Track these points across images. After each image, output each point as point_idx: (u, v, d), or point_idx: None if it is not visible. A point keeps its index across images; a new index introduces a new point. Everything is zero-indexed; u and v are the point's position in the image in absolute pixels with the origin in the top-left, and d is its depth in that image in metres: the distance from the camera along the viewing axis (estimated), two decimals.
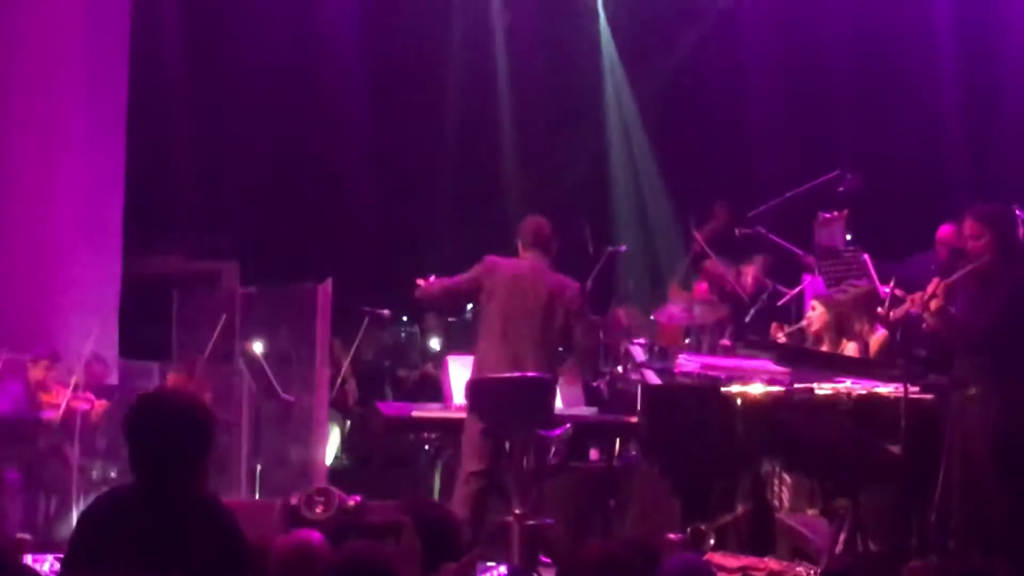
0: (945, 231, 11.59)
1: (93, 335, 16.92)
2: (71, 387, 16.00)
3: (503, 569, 5.41)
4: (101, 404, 16.07)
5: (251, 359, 15.83)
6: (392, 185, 18.96)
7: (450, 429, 12.85)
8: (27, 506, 15.60)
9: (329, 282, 15.61)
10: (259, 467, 15.68)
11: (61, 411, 15.78)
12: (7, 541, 6.07)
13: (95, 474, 15.64)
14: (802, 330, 13.01)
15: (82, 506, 14.94)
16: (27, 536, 12.66)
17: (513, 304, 12.19)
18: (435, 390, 14.22)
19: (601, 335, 14.86)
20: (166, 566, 5.62)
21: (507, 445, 11.99)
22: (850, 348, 12.34)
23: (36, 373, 16.10)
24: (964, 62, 17.68)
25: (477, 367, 12.33)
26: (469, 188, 18.95)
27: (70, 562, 6.10)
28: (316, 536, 7.27)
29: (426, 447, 14.18)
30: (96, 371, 16.70)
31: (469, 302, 12.97)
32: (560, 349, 12.60)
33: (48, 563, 6.87)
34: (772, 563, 10.29)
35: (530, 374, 12.20)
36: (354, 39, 19.04)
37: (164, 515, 5.90)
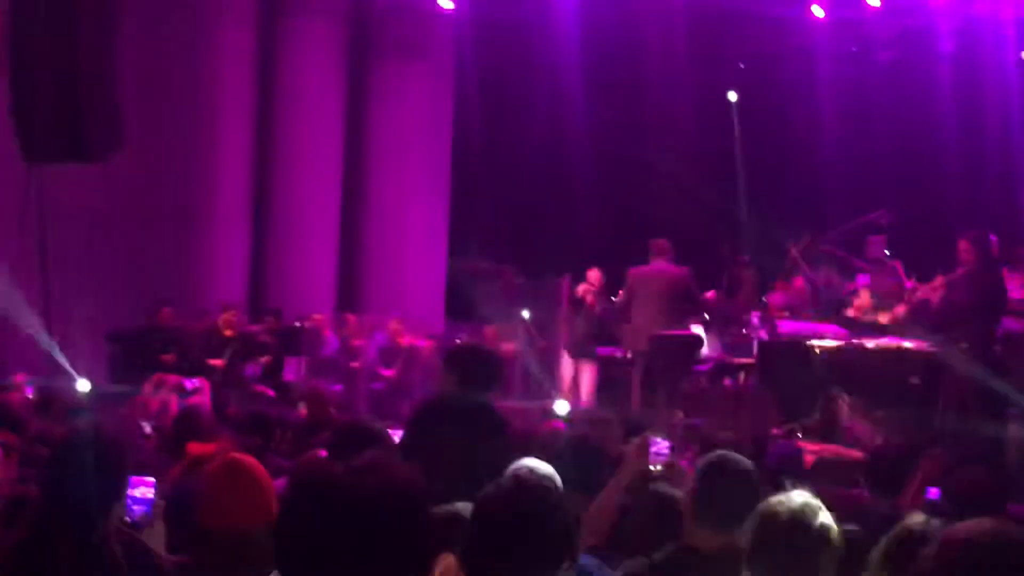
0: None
1: (427, 304, 17.78)
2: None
3: (666, 443, 5.71)
4: (432, 343, 16.30)
5: (523, 321, 16.10)
6: (606, 219, 18.72)
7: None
8: (390, 404, 15.20)
9: (567, 277, 15.80)
10: (528, 384, 15.45)
11: (408, 347, 16.09)
12: (378, 423, 6.08)
13: (430, 387, 14.98)
14: (856, 308, 12.94)
15: None
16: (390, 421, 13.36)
17: (652, 290, 12.18)
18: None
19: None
20: (465, 440, 5.53)
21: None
22: (884, 319, 12.25)
23: (393, 325, 16.31)
24: (962, 134, 17.26)
25: (635, 328, 12.32)
26: (653, 218, 18.54)
27: (407, 435, 5.98)
28: (560, 425, 7.59)
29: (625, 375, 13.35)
30: (428, 326, 17.09)
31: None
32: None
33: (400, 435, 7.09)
34: (836, 449, 10.17)
35: (689, 331, 12.58)
36: (583, 128, 18.54)
37: (464, 410, 5.89)
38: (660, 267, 12.25)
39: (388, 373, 16.05)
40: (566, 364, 13.93)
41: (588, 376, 13.66)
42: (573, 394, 13.37)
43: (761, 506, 3.73)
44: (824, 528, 3.66)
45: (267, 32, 17.00)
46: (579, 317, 14.03)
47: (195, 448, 6.31)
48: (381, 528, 2.33)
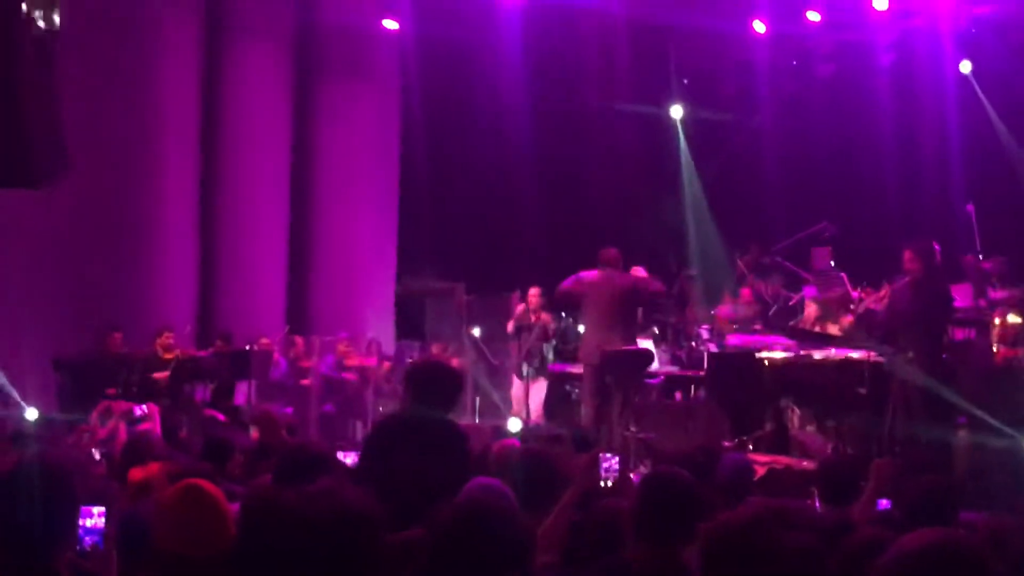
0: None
1: (377, 324, 17.71)
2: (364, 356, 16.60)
3: (616, 460, 5.70)
4: (385, 364, 16.43)
5: (473, 339, 15.95)
6: (554, 235, 18.56)
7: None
8: (340, 426, 15.83)
9: (516, 293, 15.89)
10: (478, 402, 15.69)
11: (357, 370, 16.19)
12: (326, 446, 6.09)
13: (380, 408, 15.67)
14: (803, 319, 13.09)
15: (370, 425, 15.46)
16: (340, 443, 13.30)
17: (603, 300, 11.90)
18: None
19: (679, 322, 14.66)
20: (425, 459, 5.57)
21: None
22: (832, 330, 12.30)
23: (341, 347, 16.37)
24: (902, 145, 17.43)
25: (586, 342, 12.14)
26: (601, 233, 18.65)
27: (364, 457, 6.13)
28: (514, 443, 7.29)
29: (575, 391, 13.53)
30: (378, 346, 16.98)
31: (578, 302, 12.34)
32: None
33: (351, 458, 7.06)
34: (787, 460, 10.44)
35: (640, 347, 12.44)
36: (529, 145, 18.56)
37: (424, 428, 5.94)
38: (611, 276, 12.01)
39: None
40: (516, 383, 13.87)
41: (538, 393, 13.61)
42: (524, 411, 13.33)
43: (714, 521, 3.70)
44: (778, 543, 3.61)
45: (211, 53, 16.90)
46: (523, 337, 13.96)
47: (136, 473, 6.25)
48: (336, 554, 2.31)
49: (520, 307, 14.11)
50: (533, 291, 13.96)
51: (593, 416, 11.79)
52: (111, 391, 13.21)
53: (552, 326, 13.94)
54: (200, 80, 16.74)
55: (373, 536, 2.37)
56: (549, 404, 13.64)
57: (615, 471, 5.53)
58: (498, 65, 18.06)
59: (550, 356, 14.18)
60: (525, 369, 13.54)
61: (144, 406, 10.59)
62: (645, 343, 12.85)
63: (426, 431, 5.94)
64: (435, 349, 16.37)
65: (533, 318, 13.77)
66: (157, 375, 13.76)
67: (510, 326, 14.00)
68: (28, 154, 10.69)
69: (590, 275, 12.05)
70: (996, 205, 14.58)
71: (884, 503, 5.87)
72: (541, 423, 12.62)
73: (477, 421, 14.99)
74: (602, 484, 5.54)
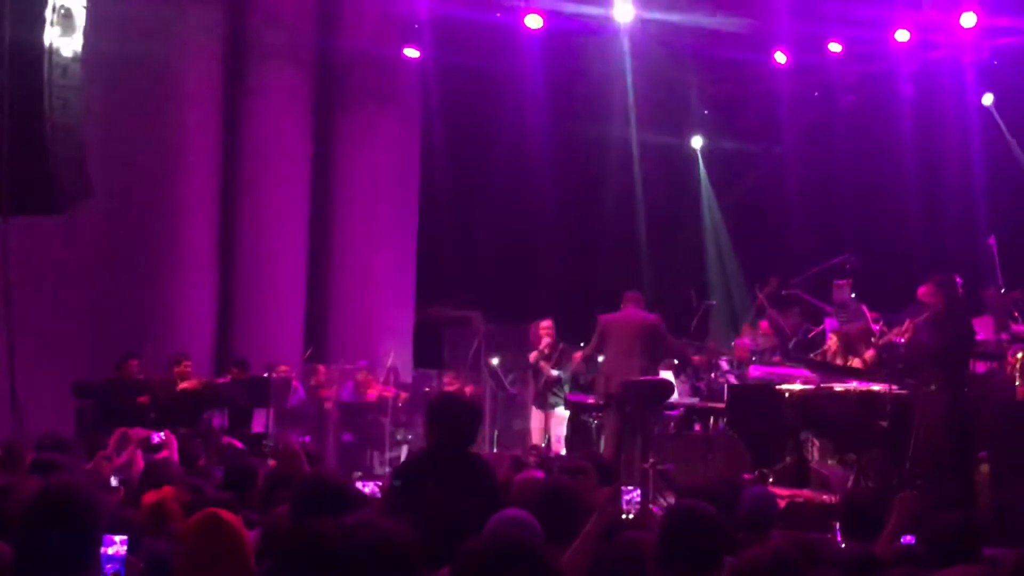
0: (920, 290, 10.97)
1: (395, 353, 17.72)
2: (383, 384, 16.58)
3: (637, 492, 5.66)
4: (403, 394, 16.37)
5: (491, 368, 16.04)
6: (573, 265, 18.70)
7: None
8: (358, 455, 15.89)
9: (535, 323, 15.78)
10: (496, 432, 15.70)
11: (376, 398, 16.18)
12: (344, 477, 6.01)
13: (399, 436, 15.88)
14: (824, 352, 12.93)
15: (388, 454, 15.50)
16: (358, 472, 13.33)
17: (623, 336, 12.21)
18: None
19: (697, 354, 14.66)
20: (453, 494, 5.37)
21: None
22: (854, 363, 12.20)
23: (360, 376, 16.38)
24: (923, 177, 17.50)
25: (607, 373, 12.29)
26: (621, 264, 18.72)
27: (392, 492, 6.10)
28: (539, 474, 7.33)
29: (594, 421, 13.43)
30: (396, 375, 17.05)
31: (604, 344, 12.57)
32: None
33: (369, 487, 7.01)
34: (808, 493, 10.49)
35: (659, 377, 12.47)
36: (549, 174, 18.80)
37: (451, 464, 6.02)
38: (631, 312, 12.27)
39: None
40: (535, 414, 13.86)
41: (558, 424, 13.62)
42: (543, 441, 13.34)
43: (742, 556, 3.68)
44: None
45: (233, 80, 16.96)
46: (541, 371, 14.06)
47: (149, 497, 6.22)
48: None
49: (546, 340, 14.05)
50: (546, 324, 13.98)
51: (613, 448, 11.82)
52: (133, 411, 13.23)
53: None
54: (222, 108, 16.79)
55: (411, 570, 2.34)
56: (571, 435, 13.61)
57: (636, 503, 5.51)
58: (519, 94, 18.12)
59: (567, 387, 14.22)
60: (551, 399, 13.55)
61: (161, 433, 10.56)
62: (665, 374, 12.85)
63: (453, 466, 5.99)
64: (447, 379, 16.41)
65: (549, 350, 13.80)
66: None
67: (533, 356, 14.00)
68: (50, 181, 10.74)
69: (608, 318, 12.34)
70: (1018, 238, 14.53)
71: (908, 538, 5.82)
72: (563, 454, 12.57)
73: (495, 451, 14.91)
74: (624, 516, 5.50)
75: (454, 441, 6.14)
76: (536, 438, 13.70)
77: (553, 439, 13.29)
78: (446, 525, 4.44)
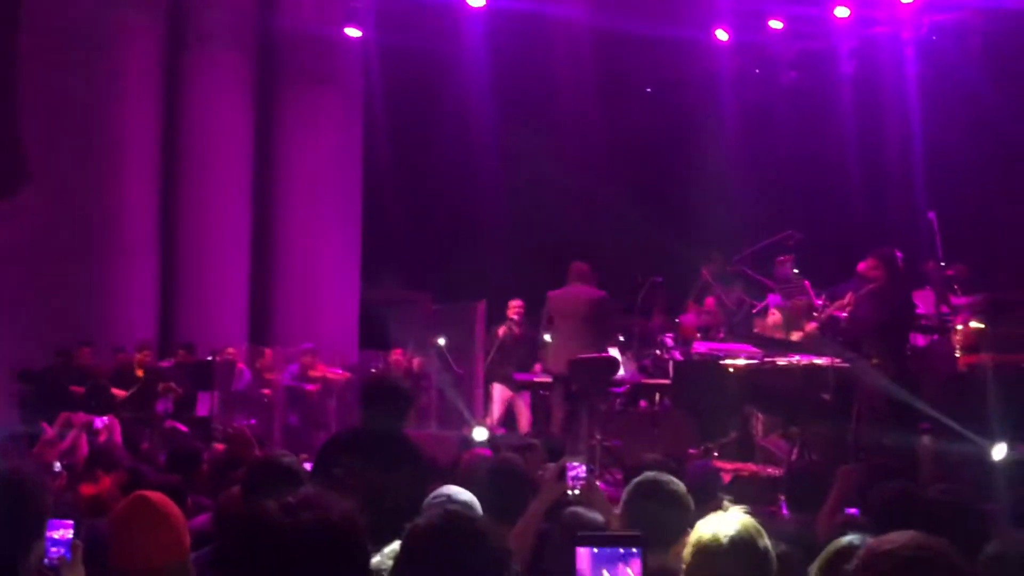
0: (860, 265, 10.98)
1: (341, 334, 17.64)
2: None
3: (583, 468, 5.68)
4: (346, 375, 16.31)
5: (438, 348, 15.80)
6: (520, 244, 18.43)
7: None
8: (304, 437, 15.41)
9: (482, 303, 16.01)
10: (442, 411, 15.57)
11: (320, 381, 16.03)
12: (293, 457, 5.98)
13: (344, 418, 15.22)
14: (768, 327, 13.16)
15: None
16: (304, 455, 13.25)
17: (570, 312, 12.10)
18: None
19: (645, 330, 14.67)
20: (376, 472, 5.30)
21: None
22: (796, 337, 12.33)
23: (305, 358, 16.17)
24: (864, 152, 17.54)
25: (555, 352, 12.17)
26: (567, 241, 18.75)
27: (318, 465, 6.14)
28: (486, 452, 7.45)
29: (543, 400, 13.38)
30: (343, 356, 17.03)
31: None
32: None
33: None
34: (753, 467, 10.68)
35: (604, 354, 12.33)
36: (494, 154, 18.77)
37: (376, 442, 6.03)
38: (578, 290, 12.20)
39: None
40: (498, 392, 13.88)
41: (524, 404, 13.66)
42: (506, 423, 13.35)
43: (700, 528, 3.69)
44: (765, 550, 3.61)
45: (172, 63, 16.85)
46: (504, 348, 13.97)
47: (87, 489, 6.23)
48: (321, 565, 2.31)
49: (514, 317, 14.03)
50: (517, 304, 14.00)
51: (561, 425, 11.85)
52: (77, 396, 13.15)
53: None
54: (162, 89, 16.69)
55: (358, 546, 2.35)
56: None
57: (582, 479, 5.53)
58: (462, 73, 18.07)
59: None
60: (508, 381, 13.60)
61: (105, 418, 10.51)
62: (611, 351, 12.85)
63: (378, 445, 5.98)
64: (396, 355, 16.31)
65: (517, 329, 13.80)
66: (117, 391, 13.64)
67: (502, 330, 13.96)
68: None
69: (556, 295, 12.25)
70: (957, 213, 14.66)
71: (851, 510, 5.90)
72: (526, 432, 12.58)
73: (442, 430, 14.79)
74: (569, 492, 5.53)
75: (382, 418, 6.18)
76: (496, 415, 13.70)
77: (521, 420, 13.34)
78: (368, 502, 4.48)
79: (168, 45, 16.77)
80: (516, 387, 13.66)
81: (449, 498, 4.81)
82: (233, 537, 2.40)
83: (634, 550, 3.12)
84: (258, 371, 16.15)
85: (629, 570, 3.11)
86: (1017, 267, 16.10)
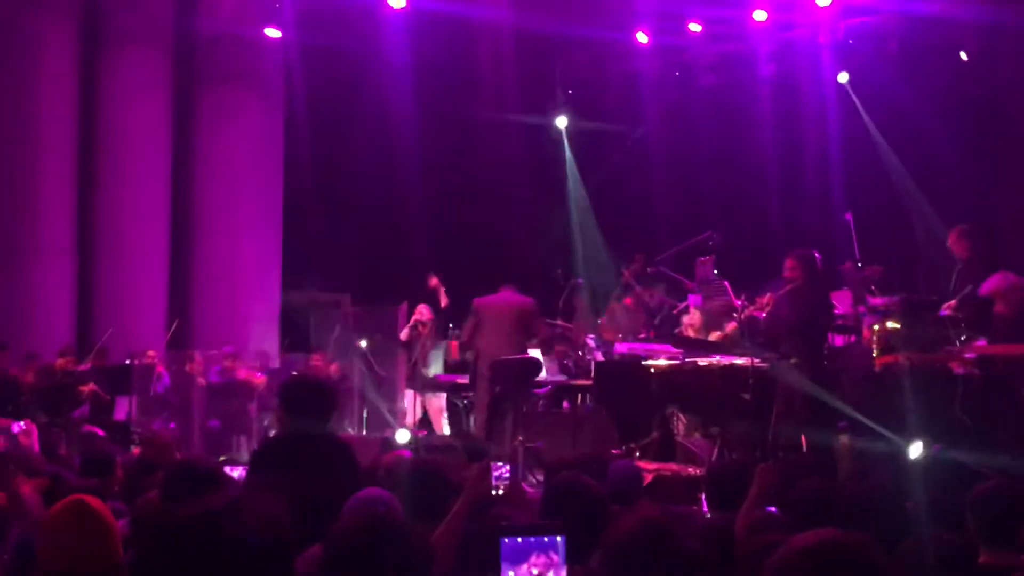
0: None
1: (262, 337, 17.54)
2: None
3: (507, 468, 5.67)
4: (265, 378, 16.13)
5: (360, 351, 15.86)
6: (441, 246, 18.16)
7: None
8: (223, 440, 15.56)
9: (404, 305, 15.92)
10: (365, 414, 15.63)
11: (241, 384, 15.85)
12: (213, 461, 5.90)
13: (265, 422, 15.61)
14: (688, 327, 13.15)
15: (255, 441, 15.35)
16: (223, 458, 13.15)
17: (497, 318, 12.32)
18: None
19: (565, 333, 14.77)
20: (309, 477, 5.38)
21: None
22: (714, 337, 12.48)
23: (226, 362, 16.11)
24: (782, 155, 17.66)
25: (481, 354, 12.32)
26: (488, 245, 18.93)
27: (251, 472, 6.05)
28: (407, 454, 7.31)
29: (464, 401, 13.40)
30: (263, 359, 16.97)
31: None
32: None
33: (237, 472, 6.91)
34: (674, 467, 10.51)
35: (528, 355, 12.45)
36: (416, 156, 18.56)
37: (307, 445, 5.96)
38: (506, 296, 12.34)
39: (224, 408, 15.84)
40: (410, 395, 13.88)
41: (438, 406, 13.68)
42: (422, 425, 13.36)
43: (616, 528, 3.71)
44: (680, 549, 3.63)
45: (89, 61, 16.63)
46: (415, 351, 14.03)
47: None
48: (248, 570, 2.28)
49: (414, 317, 14.09)
50: (423, 307, 14.03)
51: (484, 426, 11.87)
52: None
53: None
54: (78, 89, 16.46)
55: (284, 555, 2.33)
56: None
57: (506, 479, 5.54)
58: (383, 74, 18.01)
59: (437, 367, 14.23)
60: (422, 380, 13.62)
61: (22, 422, 10.36)
62: (533, 352, 12.88)
63: (309, 448, 5.91)
64: (315, 359, 16.27)
65: (424, 331, 13.83)
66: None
67: (404, 334, 14.01)
68: None
69: (483, 301, 12.38)
70: (872, 214, 14.84)
71: (770, 508, 5.94)
72: (444, 434, 12.60)
73: (364, 433, 14.93)
74: (493, 493, 5.53)
75: (306, 421, 6.08)
76: (410, 419, 13.69)
77: (435, 421, 13.35)
78: (305, 507, 4.45)
79: (84, 44, 16.52)
80: (425, 389, 13.71)
81: (369, 499, 4.79)
82: (153, 544, 2.36)
83: (557, 539, 3.15)
84: (181, 374, 15.96)
85: (552, 557, 3.12)
86: (931, 268, 16.34)
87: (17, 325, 15.15)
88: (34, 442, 9.26)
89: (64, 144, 16.25)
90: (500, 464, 5.59)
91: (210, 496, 4.54)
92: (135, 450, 9.16)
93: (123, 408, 14.30)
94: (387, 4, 16.59)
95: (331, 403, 6.39)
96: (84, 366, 14.45)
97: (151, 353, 15.34)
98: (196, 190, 17.89)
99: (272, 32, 17.52)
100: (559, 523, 3.21)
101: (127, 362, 14.58)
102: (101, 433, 12.67)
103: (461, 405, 13.53)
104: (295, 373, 15.71)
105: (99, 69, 16.78)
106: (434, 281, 14.13)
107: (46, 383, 13.54)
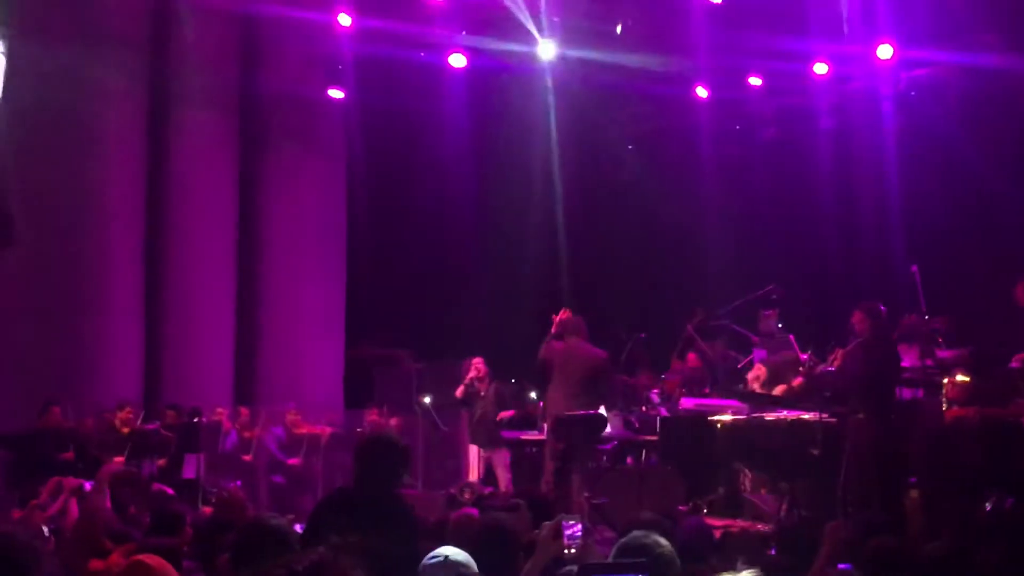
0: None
1: (325, 392, 17.61)
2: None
3: (579, 526, 5.64)
4: (331, 429, 16.23)
5: (423, 407, 15.97)
6: (501, 302, 18.45)
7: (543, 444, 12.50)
8: (288, 498, 15.53)
9: (468, 360, 15.94)
10: (427, 471, 15.62)
11: (306, 439, 16.09)
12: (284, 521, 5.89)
13: (331, 478, 15.45)
14: (753, 381, 12.99)
15: (320, 496, 15.34)
16: (291, 515, 13.17)
17: (568, 371, 11.87)
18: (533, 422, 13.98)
19: (630, 387, 14.67)
20: (369, 533, 5.67)
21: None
22: (777, 391, 12.28)
23: (289, 417, 16.33)
24: (842, 208, 17.68)
25: (549, 407, 12.06)
26: (549, 299, 18.75)
27: (310, 529, 5.96)
28: (473, 511, 7.26)
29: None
30: (327, 415, 16.97)
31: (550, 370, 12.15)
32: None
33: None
34: (742, 523, 10.55)
35: (592, 412, 12.30)
36: (475, 212, 18.91)
37: (370, 503, 5.93)
38: (576, 345, 11.98)
39: (290, 463, 15.90)
40: (474, 452, 13.81)
41: (501, 461, 13.60)
42: (487, 481, 13.29)
43: None
44: None
45: (157, 124, 16.88)
46: (476, 406, 13.99)
47: (96, 564, 6.16)
48: None
49: (471, 374, 14.06)
50: (478, 361, 13.99)
51: (551, 482, 11.74)
52: (63, 459, 13.04)
53: (503, 392, 13.99)
54: (145, 150, 16.71)
55: None
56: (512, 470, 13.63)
57: (578, 538, 5.50)
58: (444, 132, 18.15)
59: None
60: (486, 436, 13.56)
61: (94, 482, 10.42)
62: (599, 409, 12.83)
63: (371, 506, 5.90)
64: (373, 414, 16.31)
65: (481, 387, 13.80)
66: (116, 460, 13.53)
67: (460, 391, 14.00)
68: None
69: (555, 347, 11.99)
70: (936, 266, 14.74)
71: (844, 565, 5.89)
72: (509, 491, 12.53)
73: (426, 490, 14.87)
74: (566, 551, 5.50)
75: (376, 478, 6.06)
76: (474, 475, 13.63)
77: (500, 478, 13.28)
78: (368, 564, 4.46)
79: (151, 108, 16.79)
80: (485, 444, 13.63)
81: (447, 558, 4.79)
82: None
83: None
84: (239, 431, 16.05)
85: None
86: (995, 320, 16.17)
87: (88, 384, 15.31)
88: (106, 501, 9.32)
89: (133, 202, 16.50)
90: (573, 522, 5.53)
91: (280, 555, 4.56)
92: (205, 509, 9.20)
93: (192, 466, 14.37)
94: (448, 63, 16.75)
95: (403, 461, 6.35)
96: (152, 425, 14.56)
97: (219, 410, 15.42)
98: (261, 248, 18.11)
99: (335, 93, 17.73)
100: (642, 563, 3.20)
101: (195, 420, 14.68)
102: (171, 492, 12.76)
103: (525, 461, 13.45)
104: (360, 429, 15.77)
105: (166, 131, 17.03)
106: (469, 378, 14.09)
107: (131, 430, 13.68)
